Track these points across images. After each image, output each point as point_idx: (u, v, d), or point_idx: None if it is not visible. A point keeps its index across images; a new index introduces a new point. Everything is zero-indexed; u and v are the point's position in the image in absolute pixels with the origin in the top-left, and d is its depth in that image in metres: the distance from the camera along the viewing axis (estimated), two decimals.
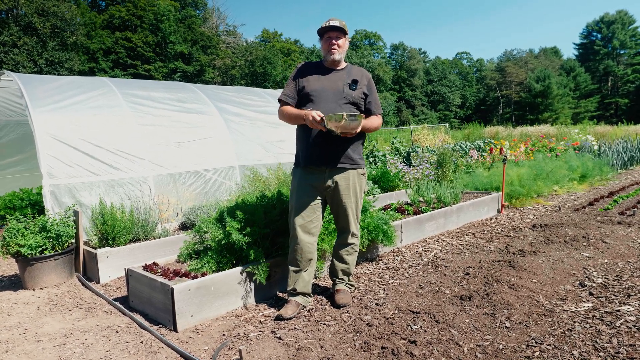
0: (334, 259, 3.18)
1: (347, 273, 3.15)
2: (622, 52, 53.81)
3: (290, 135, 7.39)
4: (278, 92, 8.52)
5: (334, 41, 2.90)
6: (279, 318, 2.82)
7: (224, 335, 2.72)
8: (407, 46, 65.25)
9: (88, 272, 4.05)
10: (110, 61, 38.85)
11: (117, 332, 2.86)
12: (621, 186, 7.46)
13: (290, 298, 2.96)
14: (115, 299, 3.41)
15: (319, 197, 2.94)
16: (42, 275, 3.78)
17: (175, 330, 2.79)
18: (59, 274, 3.88)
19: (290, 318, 2.83)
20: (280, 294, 3.28)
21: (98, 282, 3.88)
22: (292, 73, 3.04)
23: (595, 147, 10.81)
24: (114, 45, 38.42)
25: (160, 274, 3.12)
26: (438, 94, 61.46)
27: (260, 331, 2.67)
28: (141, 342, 2.69)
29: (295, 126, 3.03)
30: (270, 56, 47.44)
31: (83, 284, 3.84)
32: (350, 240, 3.08)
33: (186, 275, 3.09)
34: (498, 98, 60.47)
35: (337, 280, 3.16)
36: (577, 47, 59.73)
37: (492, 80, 61.02)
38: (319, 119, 2.65)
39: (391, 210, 4.91)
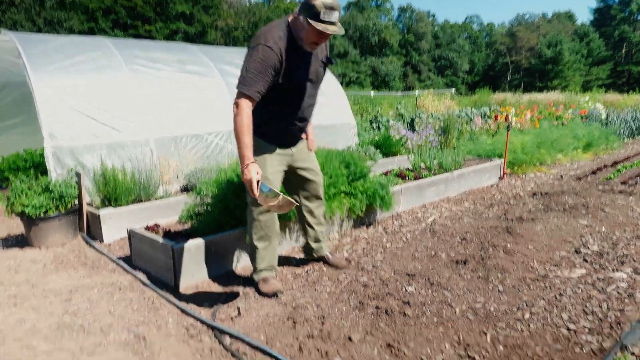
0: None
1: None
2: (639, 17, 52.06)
3: None
4: None
5: (324, 39, 2.37)
6: (270, 295, 2.60)
7: (223, 293, 2.80)
8: (415, 9, 63.40)
9: (92, 232, 4.12)
10: (110, 21, 38.02)
11: (120, 289, 2.94)
12: (626, 155, 7.40)
13: (267, 275, 2.69)
14: (119, 258, 3.49)
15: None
16: (47, 234, 3.86)
17: (177, 288, 2.87)
18: (64, 234, 3.96)
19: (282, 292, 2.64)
20: (283, 253, 3.34)
21: (102, 241, 3.96)
22: (268, 54, 2.27)
23: (603, 116, 10.66)
24: (114, 5, 37.47)
25: (161, 234, 3.18)
26: (446, 59, 60.09)
27: (256, 292, 2.74)
28: (143, 298, 2.77)
29: None
30: (274, 17, 46.22)
31: (87, 243, 3.92)
32: None
33: (187, 235, 3.15)
34: (507, 64, 59.10)
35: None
36: (592, 11, 57.80)
37: (502, 45, 59.44)
38: (256, 191, 2.18)
39: (392, 175, 4.92)
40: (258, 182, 2.18)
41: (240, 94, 2.27)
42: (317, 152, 3.89)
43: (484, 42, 65.95)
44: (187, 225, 3.52)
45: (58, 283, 3.09)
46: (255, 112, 2.33)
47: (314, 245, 3.04)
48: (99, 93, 5.26)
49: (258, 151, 2.42)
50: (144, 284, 2.99)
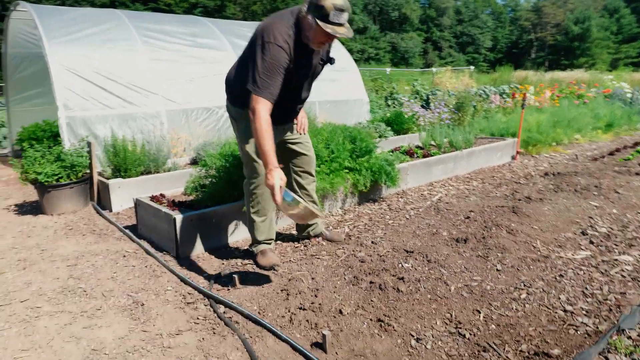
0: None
1: None
2: None
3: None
4: None
5: (332, 40, 2.33)
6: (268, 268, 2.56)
7: (222, 263, 2.85)
8: None
9: (102, 201, 4.21)
10: None
11: (124, 256, 3.02)
12: None
13: (265, 247, 2.63)
14: (126, 227, 3.57)
15: None
16: (59, 202, 3.96)
17: (178, 257, 2.93)
18: (75, 202, 4.05)
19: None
20: (278, 230, 3.35)
21: (111, 210, 4.05)
22: (279, 55, 2.21)
23: (629, 95, 10.26)
24: None
25: (165, 204, 3.23)
26: (468, 35, 58.28)
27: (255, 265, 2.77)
28: (145, 266, 2.84)
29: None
30: None
31: (97, 212, 4.01)
32: None
33: (190, 206, 3.19)
34: (532, 41, 57.06)
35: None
36: None
37: (527, 21, 57.28)
38: (278, 198, 2.12)
39: (400, 152, 4.86)
40: (281, 187, 2.12)
41: (255, 99, 2.19)
42: (324, 127, 3.87)
43: (508, 17, 63.60)
44: (192, 197, 3.56)
45: (67, 249, 3.19)
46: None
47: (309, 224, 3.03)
48: (112, 65, 5.29)
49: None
50: (147, 252, 3.05)
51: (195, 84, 5.96)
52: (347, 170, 3.75)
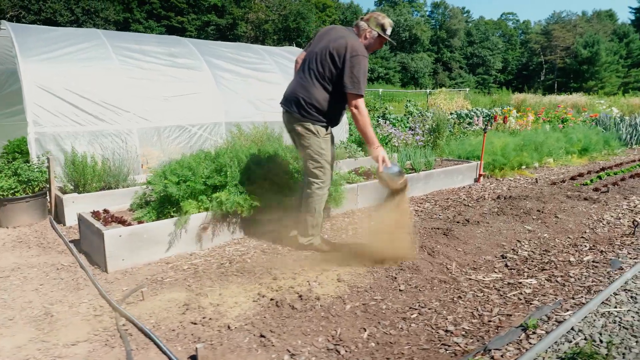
0: None
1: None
2: None
3: (280, 95, 7.43)
4: (276, 50, 8.46)
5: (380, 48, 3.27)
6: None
7: (147, 278, 2.95)
8: (449, 4, 61.97)
9: (59, 216, 4.37)
10: (144, 12, 39.15)
11: (58, 269, 3.14)
12: (621, 162, 7.13)
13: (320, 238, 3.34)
14: (71, 241, 3.70)
15: None
16: (14, 215, 4.12)
17: (106, 271, 3.04)
18: (31, 215, 4.21)
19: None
20: (212, 246, 3.45)
21: (64, 224, 4.19)
22: (366, 64, 2.95)
23: (617, 120, 10.25)
24: None
25: (102, 220, 3.36)
26: (478, 57, 58.66)
27: (176, 278, 2.87)
28: (73, 279, 2.95)
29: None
30: (304, 11, 46.32)
31: (52, 226, 4.16)
32: None
33: (124, 222, 3.32)
34: (541, 63, 57.19)
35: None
36: (633, 10, 55.03)
37: (537, 44, 57.53)
38: (381, 166, 2.89)
39: (358, 173, 4.96)
40: (384, 160, 2.87)
41: (357, 96, 2.88)
42: (263, 147, 4.00)
43: (519, 40, 63.93)
44: (136, 213, 3.68)
45: (8, 260, 3.32)
46: (327, 103, 2.98)
47: None
48: (85, 83, 5.51)
49: (325, 131, 3.07)
50: (80, 265, 3.17)
51: (170, 103, 6.16)
52: (289, 189, 3.85)
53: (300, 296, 2.50)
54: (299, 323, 2.26)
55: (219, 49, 7.52)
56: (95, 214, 3.49)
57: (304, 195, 3.18)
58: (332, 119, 3.11)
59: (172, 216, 3.38)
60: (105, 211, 3.60)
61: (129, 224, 3.22)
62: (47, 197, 4.40)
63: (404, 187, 2.95)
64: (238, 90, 6.87)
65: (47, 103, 5.15)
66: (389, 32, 3.08)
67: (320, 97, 2.97)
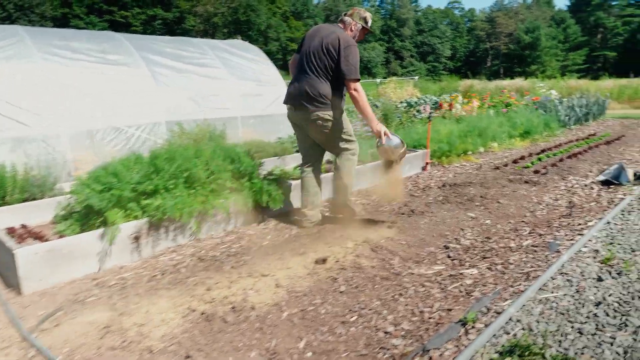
0: None
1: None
2: (613, 3, 52.29)
3: (223, 91, 7.15)
4: (219, 43, 8.14)
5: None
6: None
7: (68, 299, 2.69)
8: None
9: None
10: (84, 7, 37.10)
11: None
12: (560, 142, 7.39)
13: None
14: None
15: None
16: None
17: (21, 293, 2.75)
18: None
19: None
20: (145, 257, 3.22)
21: None
22: (357, 52, 3.28)
23: (557, 102, 10.66)
24: None
25: (16, 237, 3.04)
26: (428, 45, 59.95)
27: (100, 296, 2.63)
28: None
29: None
30: (254, 3, 45.43)
31: None
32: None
33: (43, 238, 3.02)
34: (487, 50, 59.19)
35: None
36: None
37: (482, 31, 59.47)
38: (384, 139, 3.27)
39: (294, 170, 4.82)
40: (386, 132, 3.22)
41: (356, 80, 3.23)
42: (205, 146, 3.78)
43: (465, 28, 65.81)
44: (59, 226, 3.38)
45: None
46: (331, 91, 3.28)
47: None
48: (3, 84, 5.04)
49: (339, 113, 3.40)
50: None
51: (103, 103, 5.76)
52: (229, 191, 3.67)
53: (233, 307, 2.34)
54: (230, 338, 2.11)
55: (156, 43, 7.13)
56: (10, 230, 3.16)
57: (340, 166, 3.53)
58: (335, 105, 3.40)
59: (98, 227, 3.11)
60: (23, 226, 3.28)
61: (47, 240, 2.93)
62: None
63: (403, 156, 3.43)
64: (178, 87, 6.54)
65: None
66: (370, 23, 3.47)
67: (325, 88, 3.29)
